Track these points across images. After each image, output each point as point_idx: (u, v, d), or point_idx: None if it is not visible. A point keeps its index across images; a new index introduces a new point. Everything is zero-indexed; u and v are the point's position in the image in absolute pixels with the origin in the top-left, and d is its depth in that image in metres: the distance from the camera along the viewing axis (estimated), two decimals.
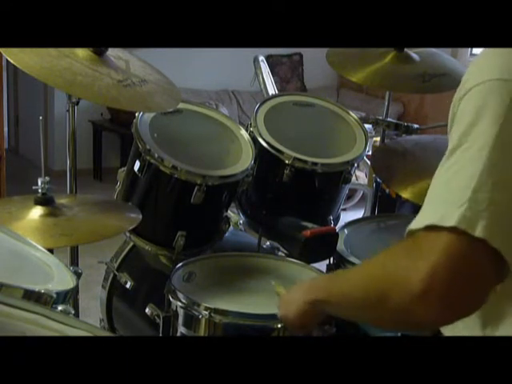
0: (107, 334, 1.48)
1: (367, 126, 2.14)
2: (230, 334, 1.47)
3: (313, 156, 1.86)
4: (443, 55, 2.27)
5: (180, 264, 1.67)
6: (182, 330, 1.52)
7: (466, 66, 0.97)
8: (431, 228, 0.83)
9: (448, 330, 0.99)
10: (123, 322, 2.03)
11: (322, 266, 1.81)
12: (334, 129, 2.07)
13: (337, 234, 1.77)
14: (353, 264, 1.76)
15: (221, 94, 5.97)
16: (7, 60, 1.50)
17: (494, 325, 0.93)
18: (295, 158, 1.82)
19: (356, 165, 1.94)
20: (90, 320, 2.30)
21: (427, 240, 0.84)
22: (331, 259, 1.83)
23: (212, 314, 1.45)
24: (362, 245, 1.88)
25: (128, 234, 1.83)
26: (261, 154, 1.86)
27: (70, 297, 1.09)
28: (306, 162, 1.83)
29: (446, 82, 2.10)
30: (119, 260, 1.96)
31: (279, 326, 1.42)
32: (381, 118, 2.33)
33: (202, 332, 1.48)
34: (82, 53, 1.66)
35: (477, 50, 5.28)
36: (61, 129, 4.14)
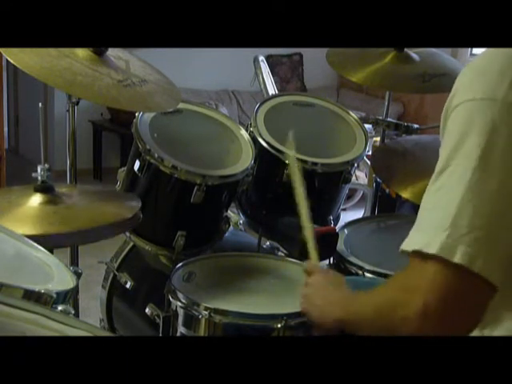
0: (107, 333, 1.48)
1: (367, 126, 2.14)
2: (229, 333, 1.47)
3: (313, 156, 1.86)
4: (443, 55, 2.27)
5: (180, 264, 1.67)
6: (181, 329, 1.52)
7: None
8: (418, 253, 0.87)
9: None
10: (123, 321, 2.03)
11: (322, 266, 1.81)
12: (334, 129, 2.07)
13: (337, 234, 1.77)
14: (353, 264, 1.76)
15: (221, 94, 5.97)
16: (7, 60, 1.50)
17: (492, 327, 0.94)
18: (295, 158, 1.82)
19: (356, 165, 1.94)
20: (90, 320, 2.30)
21: (417, 269, 0.88)
22: (331, 259, 1.83)
23: (212, 314, 1.45)
24: (362, 245, 1.88)
25: (128, 234, 1.83)
26: (261, 154, 1.86)
27: (69, 297, 1.09)
28: (306, 162, 1.84)
29: (445, 82, 2.09)
30: (119, 260, 1.96)
31: (279, 325, 1.42)
32: (381, 118, 2.33)
33: (201, 332, 1.48)
34: (82, 53, 1.66)
35: (477, 50, 5.28)
36: (61, 129, 4.13)
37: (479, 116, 0.86)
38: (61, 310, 1.01)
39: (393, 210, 2.46)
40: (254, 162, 1.81)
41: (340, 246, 1.80)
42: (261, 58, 3.69)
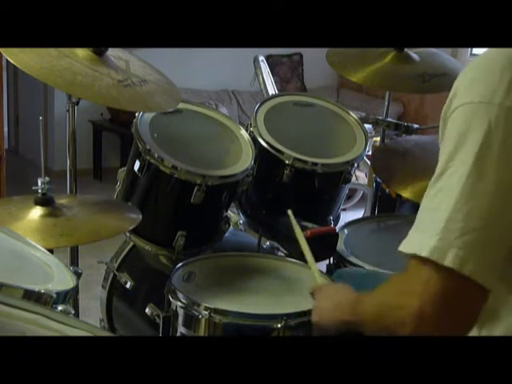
0: (107, 334, 1.48)
1: (367, 126, 2.14)
2: (229, 334, 1.47)
3: (313, 156, 1.86)
4: (443, 55, 2.27)
5: (180, 264, 1.67)
6: (181, 329, 1.52)
7: None
8: (415, 256, 0.89)
9: None
10: (123, 321, 2.03)
11: (322, 265, 1.81)
12: (333, 129, 2.07)
13: (337, 234, 1.77)
14: (353, 264, 1.76)
15: (221, 94, 5.97)
16: (7, 60, 1.50)
17: (490, 327, 0.95)
18: (295, 158, 1.82)
19: (356, 165, 1.94)
20: (90, 320, 2.30)
21: (413, 272, 0.90)
22: (331, 259, 1.83)
23: (212, 314, 1.45)
24: (362, 245, 1.88)
25: (128, 234, 1.83)
26: (261, 154, 1.86)
27: (69, 297, 1.09)
28: (305, 162, 1.84)
29: (445, 82, 2.09)
30: (119, 260, 1.96)
31: (279, 325, 1.42)
32: (381, 118, 2.33)
33: (201, 332, 1.48)
34: (82, 53, 1.66)
35: (477, 50, 5.27)
36: (61, 129, 4.13)
37: (476, 120, 0.86)
38: (61, 310, 1.01)
39: (393, 210, 2.46)
40: (254, 162, 1.81)
41: (340, 245, 1.80)
42: (261, 58, 3.69)
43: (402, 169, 2.03)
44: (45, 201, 1.57)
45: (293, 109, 2.07)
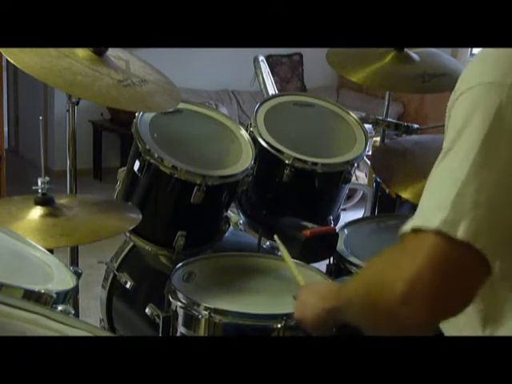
0: (107, 333, 1.48)
1: (367, 126, 2.14)
2: (229, 333, 1.47)
3: (313, 156, 1.86)
4: (443, 55, 2.27)
5: (180, 264, 1.67)
6: (181, 330, 1.52)
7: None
8: (418, 230, 0.85)
9: (450, 330, 0.99)
10: (123, 321, 2.03)
11: (322, 265, 1.81)
12: (333, 129, 2.07)
13: (337, 234, 1.77)
14: (353, 264, 1.76)
15: (221, 94, 5.97)
16: (7, 60, 1.50)
17: (493, 327, 0.94)
18: (295, 158, 1.82)
19: (356, 165, 1.94)
20: (90, 320, 2.30)
21: (413, 243, 0.86)
22: (331, 259, 1.83)
23: (212, 314, 1.45)
24: (362, 245, 1.88)
25: (128, 234, 1.83)
26: (261, 153, 1.86)
27: (69, 297, 1.09)
28: (305, 162, 1.84)
29: (445, 82, 2.09)
30: (119, 260, 1.96)
31: (279, 325, 1.42)
32: (381, 118, 2.33)
33: (201, 332, 1.47)
34: (82, 53, 1.66)
35: (477, 50, 5.27)
36: (61, 129, 4.13)
37: (485, 99, 0.86)
38: (61, 310, 1.01)
39: (393, 210, 2.46)
40: (254, 162, 1.81)
41: (340, 245, 1.80)
42: (261, 58, 3.69)
43: (402, 169, 2.02)
44: (45, 201, 1.57)
45: (293, 109, 2.07)
